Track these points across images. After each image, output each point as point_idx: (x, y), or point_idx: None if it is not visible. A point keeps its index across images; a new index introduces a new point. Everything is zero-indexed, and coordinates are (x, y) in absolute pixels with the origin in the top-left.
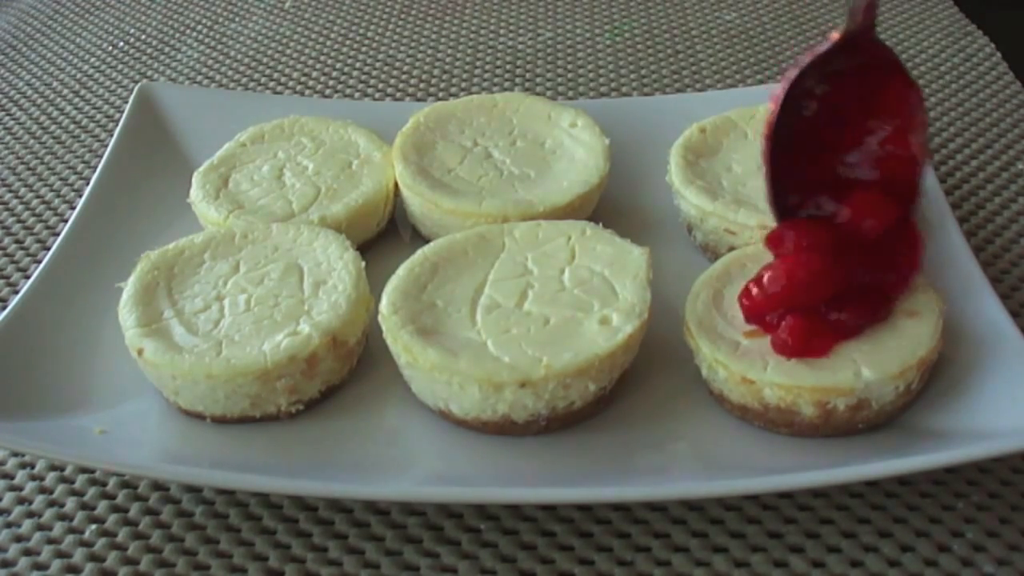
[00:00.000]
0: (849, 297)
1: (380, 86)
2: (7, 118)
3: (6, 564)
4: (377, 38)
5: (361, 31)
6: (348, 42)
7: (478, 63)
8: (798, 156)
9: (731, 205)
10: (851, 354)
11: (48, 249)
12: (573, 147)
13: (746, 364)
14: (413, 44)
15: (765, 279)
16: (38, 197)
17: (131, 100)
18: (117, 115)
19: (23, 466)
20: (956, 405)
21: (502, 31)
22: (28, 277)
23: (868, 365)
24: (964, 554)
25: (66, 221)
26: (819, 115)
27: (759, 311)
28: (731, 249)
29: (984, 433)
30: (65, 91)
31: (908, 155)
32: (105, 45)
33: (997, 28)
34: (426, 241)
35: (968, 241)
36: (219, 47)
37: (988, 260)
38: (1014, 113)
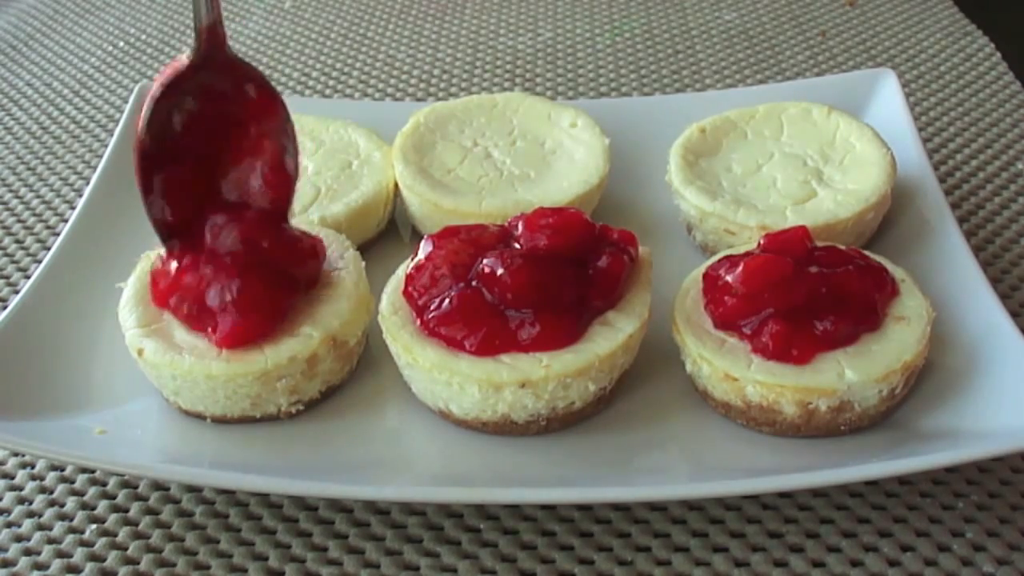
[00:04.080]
0: (834, 307)
1: (380, 86)
2: (7, 118)
3: (6, 564)
4: (377, 38)
5: (361, 31)
6: (348, 42)
7: (478, 63)
8: (184, 172)
9: (731, 205)
10: (836, 356)
11: (48, 249)
12: (573, 147)
13: (730, 361)
14: (413, 44)
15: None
16: (38, 197)
17: (131, 100)
18: (117, 115)
19: (23, 466)
20: (956, 405)
21: (502, 31)
22: (28, 277)
23: (852, 367)
24: (964, 554)
25: (66, 221)
26: (196, 132)
27: (725, 318)
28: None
29: (984, 433)
30: (65, 91)
31: (279, 166)
32: (105, 45)
33: (997, 28)
34: None
35: (968, 241)
36: None
37: (988, 260)
38: (1014, 113)
